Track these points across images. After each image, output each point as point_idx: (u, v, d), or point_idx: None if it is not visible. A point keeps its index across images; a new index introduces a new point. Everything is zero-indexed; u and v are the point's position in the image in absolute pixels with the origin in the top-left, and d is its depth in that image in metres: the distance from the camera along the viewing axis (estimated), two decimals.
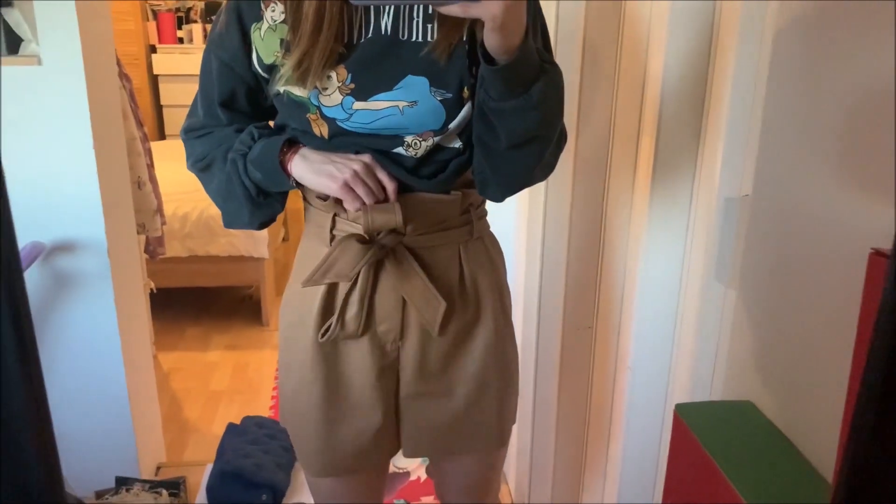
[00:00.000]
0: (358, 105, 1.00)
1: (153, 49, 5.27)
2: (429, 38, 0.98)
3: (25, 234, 1.97)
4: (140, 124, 2.72)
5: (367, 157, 1.02)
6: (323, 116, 1.02)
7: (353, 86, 1.00)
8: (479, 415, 1.16)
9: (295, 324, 1.14)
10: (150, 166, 2.77)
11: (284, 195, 1.12)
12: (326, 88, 1.00)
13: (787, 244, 0.92)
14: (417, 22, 0.99)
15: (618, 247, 1.51)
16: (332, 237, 1.09)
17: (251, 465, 1.95)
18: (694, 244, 1.21)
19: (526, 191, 1.96)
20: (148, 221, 2.71)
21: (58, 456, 0.56)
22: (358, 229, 1.07)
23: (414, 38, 0.99)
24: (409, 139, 1.03)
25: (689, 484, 0.95)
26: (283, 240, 4.35)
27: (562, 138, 1.07)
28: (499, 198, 1.09)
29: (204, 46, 1.12)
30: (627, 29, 1.37)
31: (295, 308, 1.14)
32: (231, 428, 2.14)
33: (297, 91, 1.01)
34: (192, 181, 3.51)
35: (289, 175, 1.04)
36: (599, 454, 1.66)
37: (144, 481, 2.11)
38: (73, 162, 1.98)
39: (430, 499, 2.31)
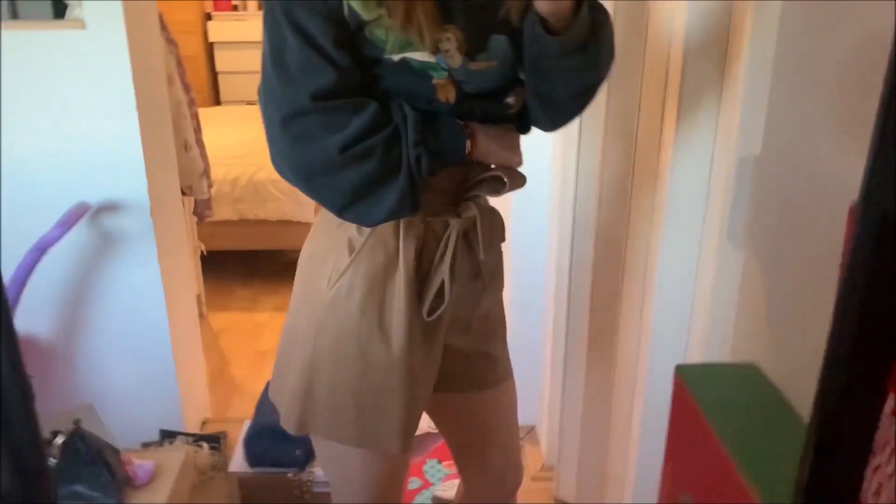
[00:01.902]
0: (473, 66, 1.01)
1: (209, 17, 5.35)
2: None
3: (72, 195, 2.04)
4: (187, 89, 2.77)
5: (514, 130, 1.10)
6: (453, 80, 1.00)
7: (468, 45, 0.99)
8: (499, 354, 1.26)
9: (360, 296, 1.07)
10: (198, 130, 2.82)
11: None
12: (448, 50, 0.98)
13: (794, 204, 0.89)
14: None
15: (643, 213, 1.48)
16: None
17: None
18: (711, 206, 1.17)
19: (559, 160, 1.95)
20: (195, 184, 2.77)
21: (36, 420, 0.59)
22: (445, 199, 1.10)
23: None
24: (511, 101, 1.07)
25: (687, 447, 0.93)
26: None
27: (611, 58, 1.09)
28: (549, 130, 1.17)
29: (261, 13, 1.01)
30: None
31: (359, 276, 1.07)
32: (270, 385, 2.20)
33: (422, 56, 0.97)
34: (243, 146, 3.59)
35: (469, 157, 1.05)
36: (624, 416, 1.65)
37: (187, 434, 2.19)
38: (116, 124, 2.03)
39: None
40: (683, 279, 1.25)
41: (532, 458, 2.30)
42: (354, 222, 1.04)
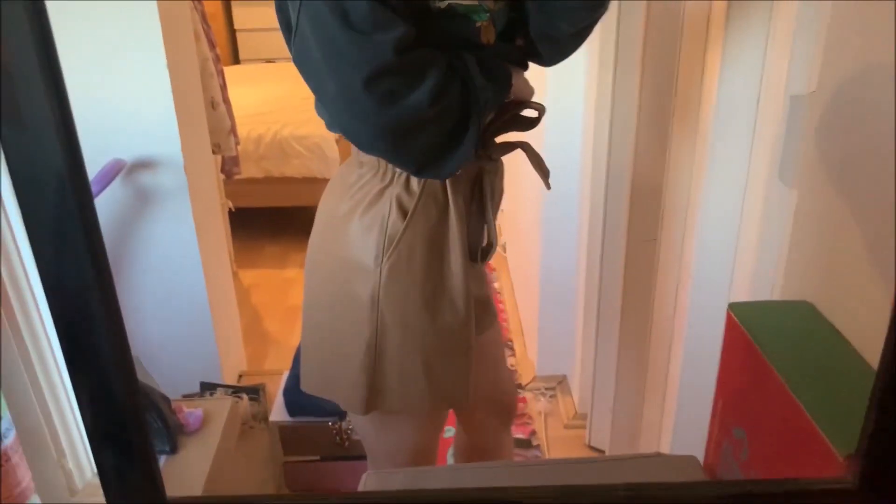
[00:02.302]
0: (495, 6, 1.02)
1: None
2: None
3: (107, 152, 2.06)
4: (212, 45, 2.77)
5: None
6: (493, 22, 1.02)
7: None
8: (490, 294, 1.28)
9: (421, 257, 1.06)
10: (223, 87, 2.82)
11: None
12: None
13: (850, 143, 0.88)
14: None
15: (684, 153, 1.47)
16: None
17: None
18: (757, 144, 1.17)
19: (592, 107, 1.94)
20: (223, 141, 2.78)
21: (130, 354, 0.61)
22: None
23: None
24: (518, 42, 1.09)
25: (741, 383, 0.95)
26: None
27: None
28: (548, 65, 1.16)
29: None
30: None
31: (418, 236, 1.05)
32: None
33: (466, 1, 0.98)
34: (266, 104, 3.60)
35: None
36: (661, 362, 1.67)
37: (227, 386, 2.24)
38: (148, 82, 2.04)
39: None
40: (727, 220, 1.25)
41: (564, 406, 2.33)
42: (432, 177, 1.02)
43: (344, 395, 1.13)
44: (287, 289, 3.23)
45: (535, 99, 1.11)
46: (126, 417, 0.62)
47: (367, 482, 1.01)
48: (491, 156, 1.11)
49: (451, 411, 1.32)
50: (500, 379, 1.41)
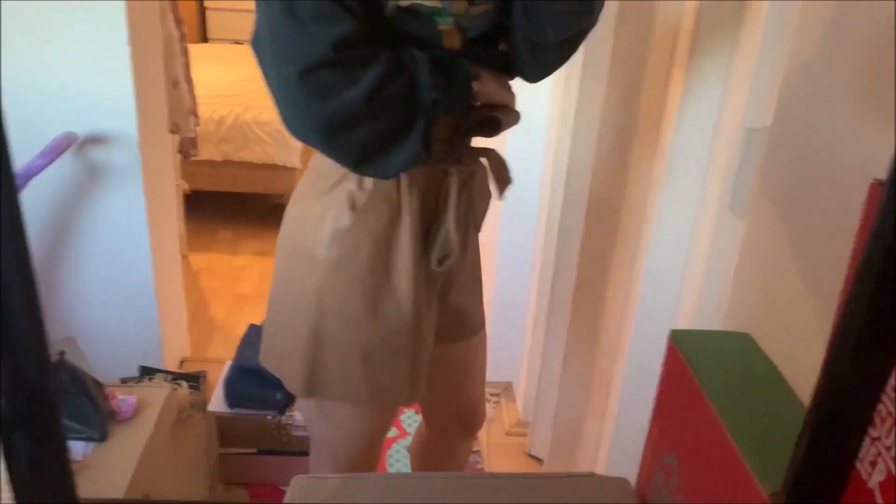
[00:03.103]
0: (473, 10, 0.99)
1: None
2: None
3: (59, 124, 2.00)
4: (178, 23, 2.71)
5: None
6: (459, 27, 0.99)
7: None
8: (478, 304, 1.29)
9: (367, 254, 1.06)
10: (187, 67, 2.77)
11: None
12: None
13: (799, 177, 0.89)
14: None
15: (642, 172, 1.48)
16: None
17: None
18: (712, 173, 1.18)
19: (556, 121, 1.94)
20: (182, 121, 2.73)
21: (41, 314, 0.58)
22: (442, 147, 1.07)
23: None
24: (502, 48, 1.06)
25: (676, 411, 0.95)
26: None
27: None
28: (533, 81, 1.14)
29: None
30: None
31: (365, 233, 1.06)
32: (252, 328, 2.20)
33: (429, 1, 0.95)
34: (231, 86, 3.54)
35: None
36: (604, 377, 1.68)
37: (167, 372, 2.19)
38: (108, 56, 1.99)
39: None
40: (677, 246, 1.26)
41: (508, 413, 2.34)
42: (372, 175, 1.02)
43: (288, 376, 1.15)
44: (237, 275, 3.18)
45: None
46: (37, 404, 0.59)
47: (296, 486, 0.99)
48: (460, 160, 1.09)
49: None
50: (470, 392, 1.39)
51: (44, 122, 1.99)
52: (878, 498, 0.59)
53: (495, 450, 2.25)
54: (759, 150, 1.00)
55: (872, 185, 0.59)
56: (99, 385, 1.46)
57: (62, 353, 1.38)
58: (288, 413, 1.99)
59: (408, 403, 1.17)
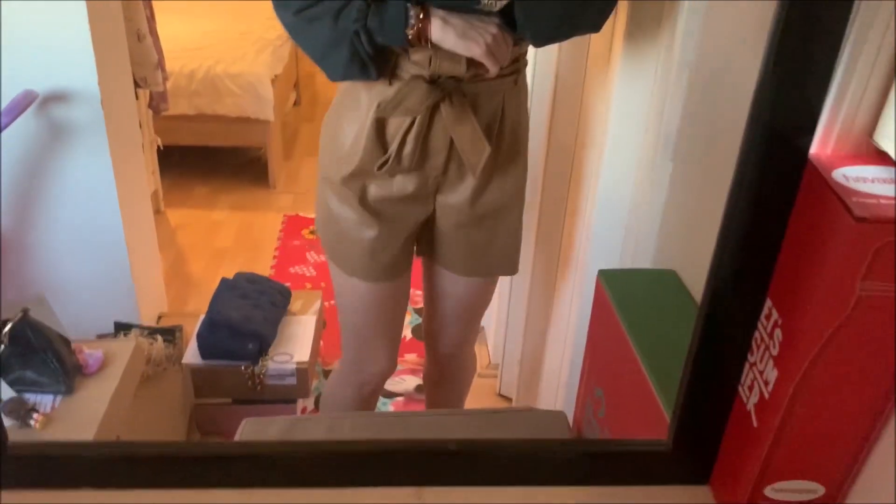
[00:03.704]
0: None
1: None
2: None
3: (18, 83, 1.98)
4: None
5: (494, 26, 1.06)
6: None
7: None
8: (503, 243, 1.34)
9: (339, 153, 1.21)
10: (151, 19, 2.73)
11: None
12: None
13: (720, 117, 0.91)
14: None
15: (596, 111, 1.50)
16: (394, 76, 1.13)
17: (240, 317, 2.05)
18: (651, 114, 1.19)
19: None
20: (149, 75, 2.71)
21: None
22: (420, 71, 1.11)
23: None
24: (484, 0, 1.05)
25: (603, 346, 0.99)
26: (295, 104, 4.33)
27: None
28: (535, 44, 1.16)
29: None
30: None
31: (339, 142, 1.21)
32: (224, 282, 2.23)
33: None
34: (201, 37, 3.51)
35: (420, 41, 1.05)
36: (563, 318, 1.72)
37: (142, 327, 2.23)
38: (64, 10, 1.96)
39: (413, 356, 2.42)
40: (623, 188, 1.29)
41: (480, 357, 2.39)
42: (328, 75, 1.14)
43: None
44: (215, 230, 3.20)
45: None
46: None
47: (246, 428, 1.03)
48: (441, 85, 1.12)
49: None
50: (442, 326, 1.51)
51: (1, 81, 1.98)
52: (754, 419, 0.63)
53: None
54: (684, 92, 1.01)
55: None
56: (66, 341, 1.50)
57: (25, 311, 1.41)
58: (261, 363, 2.03)
59: (360, 279, 1.32)
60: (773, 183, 0.56)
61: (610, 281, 0.96)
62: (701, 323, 0.63)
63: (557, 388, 1.75)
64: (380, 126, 1.17)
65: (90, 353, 1.53)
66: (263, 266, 2.97)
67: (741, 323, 0.62)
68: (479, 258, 1.36)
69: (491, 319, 2.36)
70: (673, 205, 1.02)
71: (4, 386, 1.35)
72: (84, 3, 1.95)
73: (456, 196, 1.25)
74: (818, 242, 0.55)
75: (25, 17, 1.95)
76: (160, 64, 2.76)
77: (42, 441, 1.24)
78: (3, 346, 1.34)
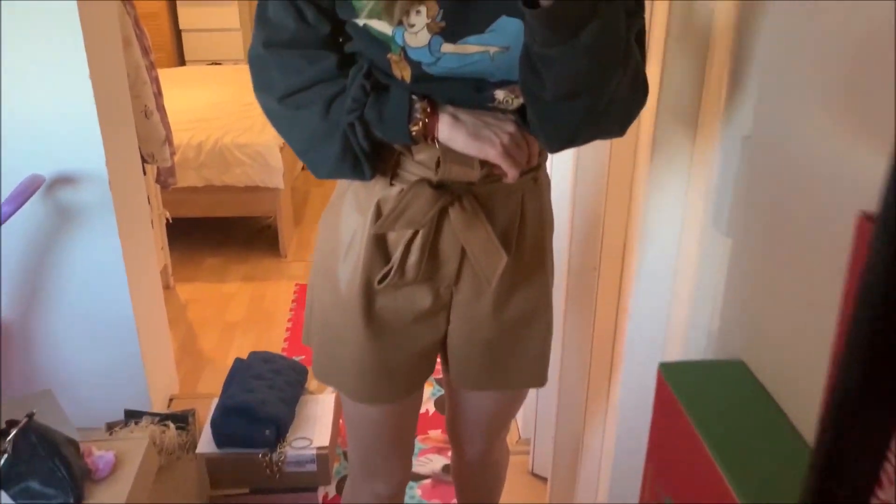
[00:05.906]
0: (447, 48, 0.90)
1: None
2: None
3: (24, 167, 1.94)
4: (146, 52, 2.65)
5: (511, 124, 0.95)
6: (407, 59, 0.91)
7: (443, 24, 0.88)
8: (526, 354, 1.18)
9: (336, 255, 1.09)
10: (158, 95, 2.70)
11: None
12: (413, 25, 0.88)
13: (784, 192, 0.83)
14: None
15: (622, 188, 1.42)
16: (395, 176, 1.02)
17: (255, 401, 1.95)
18: (692, 188, 1.11)
19: None
20: (157, 151, 2.67)
21: None
22: (426, 174, 1.00)
23: None
24: (500, 96, 0.95)
25: (671, 448, 0.89)
26: (303, 169, 4.30)
27: (639, 91, 0.94)
28: (549, 149, 1.02)
29: None
30: None
31: (337, 240, 1.09)
32: (237, 363, 2.14)
33: (380, 27, 0.90)
34: (208, 109, 3.48)
35: (426, 139, 0.95)
36: (601, 397, 1.62)
37: (153, 414, 2.13)
38: (69, 92, 1.93)
39: (438, 433, 2.31)
40: (664, 266, 1.20)
41: (510, 431, 2.27)
42: (313, 173, 1.04)
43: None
44: (226, 304, 3.12)
45: None
46: None
47: None
48: (450, 187, 1.00)
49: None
50: (471, 431, 1.38)
51: (7, 166, 1.93)
52: None
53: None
54: (740, 161, 0.93)
55: (859, 219, 0.53)
56: (73, 444, 1.40)
57: (31, 415, 1.32)
58: (279, 450, 1.93)
59: (353, 398, 1.18)
60: None
61: (673, 376, 0.87)
62: (818, 462, 0.53)
63: (599, 472, 1.63)
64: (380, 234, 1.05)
65: (100, 456, 1.43)
66: (276, 338, 2.88)
67: (867, 453, 0.52)
68: (504, 372, 1.20)
69: None
70: (733, 286, 0.93)
71: (7, 500, 1.25)
72: (90, 85, 1.92)
73: (473, 310, 1.11)
74: None
75: (32, 101, 1.92)
76: (168, 139, 2.72)
77: None
78: (6, 456, 1.25)
